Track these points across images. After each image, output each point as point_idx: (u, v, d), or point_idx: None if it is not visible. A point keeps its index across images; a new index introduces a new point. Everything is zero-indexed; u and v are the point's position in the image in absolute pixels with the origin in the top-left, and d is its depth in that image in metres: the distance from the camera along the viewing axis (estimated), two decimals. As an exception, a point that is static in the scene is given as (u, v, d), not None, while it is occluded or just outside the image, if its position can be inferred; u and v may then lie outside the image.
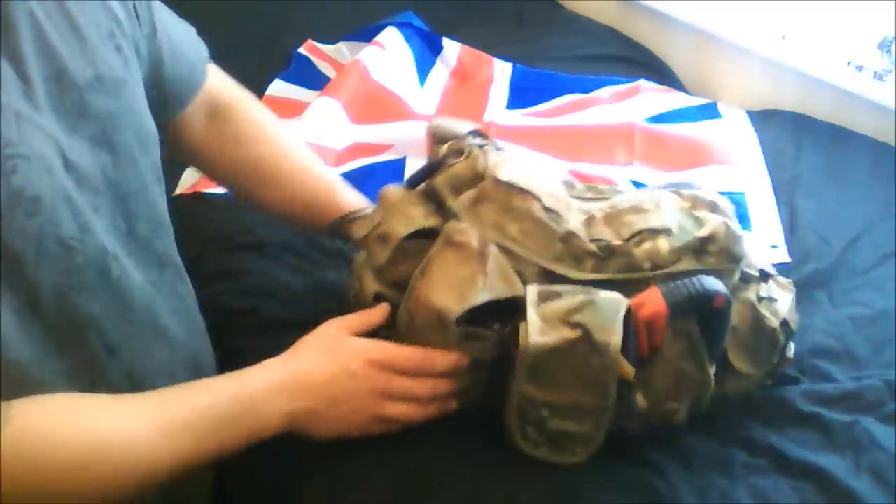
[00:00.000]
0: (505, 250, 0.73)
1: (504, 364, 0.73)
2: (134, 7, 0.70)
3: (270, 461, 0.77)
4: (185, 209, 1.08)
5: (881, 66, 1.33)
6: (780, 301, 0.79)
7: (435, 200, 0.79)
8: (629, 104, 1.41)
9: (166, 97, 0.79)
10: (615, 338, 0.67)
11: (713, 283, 0.70)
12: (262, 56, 1.53)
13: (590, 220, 0.76)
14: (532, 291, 0.71)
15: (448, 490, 0.74)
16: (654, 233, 0.73)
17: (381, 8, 1.60)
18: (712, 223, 0.75)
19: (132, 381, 0.70)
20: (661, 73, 1.59)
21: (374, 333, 0.80)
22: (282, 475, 0.79)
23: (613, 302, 0.69)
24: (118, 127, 0.66)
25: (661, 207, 0.76)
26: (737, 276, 0.77)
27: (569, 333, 0.68)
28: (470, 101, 1.45)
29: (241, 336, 0.93)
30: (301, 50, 1.56)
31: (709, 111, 1.41)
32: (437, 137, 0.83)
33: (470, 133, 0.82)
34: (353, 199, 0.93)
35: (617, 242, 0.74)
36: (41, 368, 0.61)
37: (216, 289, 0.97)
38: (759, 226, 1.13)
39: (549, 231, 0.73)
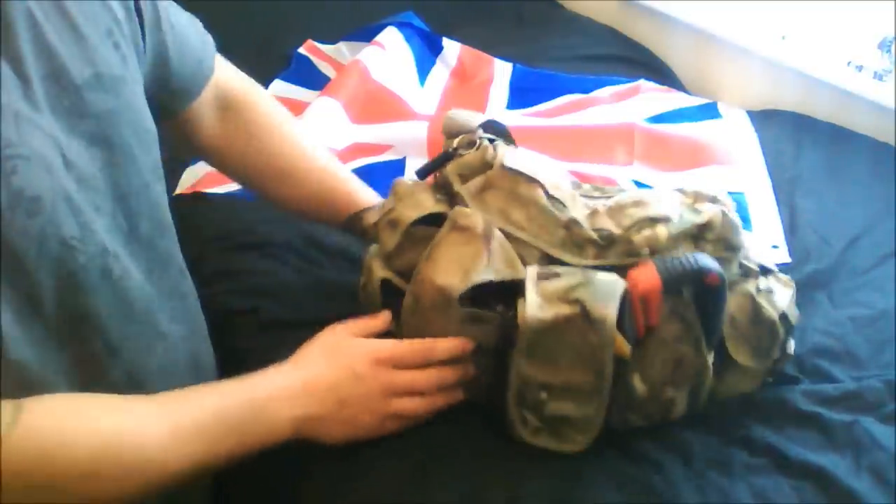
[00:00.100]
0: (509, 236, 0.75)
1: (505, 352, 0.73)
2: (135, 4, 0.70)
3: (270, 460, 0.77)
4: (185, 209, 1.08)
5: (881, 66, 1.33)
6: (779, 294, 0.80)
7: (445, 191, 0.80)
8: (629, 104, 1.41)
9: (174, 91, 0.79)
10: (611, 312, 0.68)
11: (707, 260, 0.71)
12: (261, 56, 1.52)
13: (593, 214, 0.77)
14: (532, 271, 0.72)
15: (448, 488, 0.74)
16: (654, 221, 0.75)
17: (381, 8, 1.60)
18: (710, 211, 0.76)
19: (133, 381, 0.70)
20: (661, 73, 1.59)
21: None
22: (281, 475, 0.79)
23: (611, 281, 0.71)
24: (117, 126, 0.66)
25: (663, 200, 0.78)
26: (735, 267, 0.78)
27: (566, 309, 0.69)
28: (470, 101, 1.45)
29: (241, 336, 0.93)
30: (301, 50, 1.56)
31: (709, 111, 1.41)
32: (449, 131, 0.83)
33: (482, 126, 0.83)
34: (367, 196, 0.93)
35: (618, 231, 0.75)
36: (42, 368, 0.61)
37: (216, 289, 0.97)
38: (759, 226, 1.13)
39: (552, 218, 0.75)
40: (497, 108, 1.42)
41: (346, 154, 1.29)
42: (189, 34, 0.80)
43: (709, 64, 1.60)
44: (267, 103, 0.94)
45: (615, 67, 1.55)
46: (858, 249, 1.08)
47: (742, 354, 0.78)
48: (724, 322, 0.76)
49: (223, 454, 0.67)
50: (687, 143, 1.29)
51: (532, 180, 0.77)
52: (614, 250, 0.75)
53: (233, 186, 1.13)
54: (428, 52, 1.55)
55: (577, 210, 0.77)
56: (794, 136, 1.35)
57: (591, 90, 1.45)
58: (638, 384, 0.74)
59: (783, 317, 0.79)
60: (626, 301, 0.70)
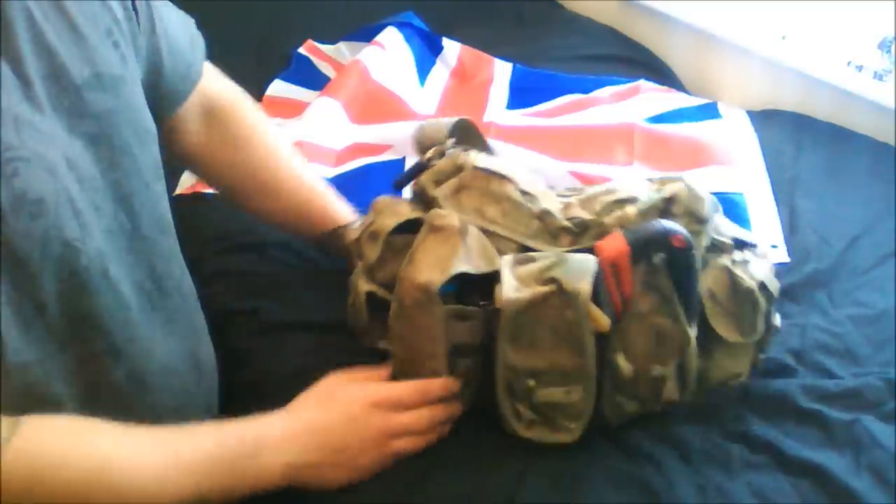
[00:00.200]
0: (485, 232, 0.77)
1: (492, 348, 0.74)
2: (133, 3, 0.70)
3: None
4: (185, 209, 1.08)
5: (881, 66, 1.33)
6: (756, 265, 0.80)
7: (421, 199, 0.81)
8: (629, 104, 1.40)
9: (163, 94, 0.79)
10: (585, 286, 0.69)
11: (671, 223, 0.73)
12: (261, 56, 1.53)
13: (567, 207, 0.80)
14: (507, 257, 0.74)
15: (447, 488, 0.74)
16: (623, 202, 0.78)
17: (381, 8, 1.60)
18: (674, 185, 0.78)
19: (134, 381, 0.70)
20: (661, 73, 1.59)
21: (369, 332, 0.81)
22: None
23: (584, 258, 0.72)
24: (117, 125, 0.66)
25: (631, 185, 0.80)
26: (705, 240, 0.79)
27: (542, 288, 0.70)
28: (470, 101, 1.45)
29: (241, 337, 0.93)
30: (301, 50, 1.56)
31: (709, 111, 1.41)
32: (421, 144, 0.85)
33: (453, 126, 0.85)
34: (343, 212, 0.94)
35: (590, 217, 0.77)
36: (43, 369, 0.61)
37: (216, 289, 0.97)
38: (758, 226, 1.13)
39: (525, 210, 0.78)
40: (497, 108, 1.42)
41: (346, 154, 1.29)
42: (180, 37, 0.80)
43: (709, 64, 1.60)
44: (253, 114, 0.94)
45: (615, 67, 1.55)
46: (858, 249, 1.08)
47: (726, 329, 0.79)
48: (704, 297, 0.77)
49: (214, 493, 0.67)
50: (687, 144, 1.29)
51: (503, 177, 0.79)
52: (588, 235, 0.77)
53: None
54: (428, 52, 1.55)
55: (551, 203, 0.79)
56: (793, 136, 1.35)
57: (591, 90, 1.45)
58: (623, 363, 0.74)
59: (762, 286, 0.79)
60: (600, 276, 0.71)
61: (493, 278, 0.73)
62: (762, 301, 0.79)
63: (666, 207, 0.77)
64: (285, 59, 1.54)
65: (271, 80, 1.48)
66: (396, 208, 0.81)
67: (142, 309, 0.70)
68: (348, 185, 1.21)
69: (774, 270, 0.83)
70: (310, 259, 1.03)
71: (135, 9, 0.70)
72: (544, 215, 0.78)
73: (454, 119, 0.86)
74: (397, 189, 0.85)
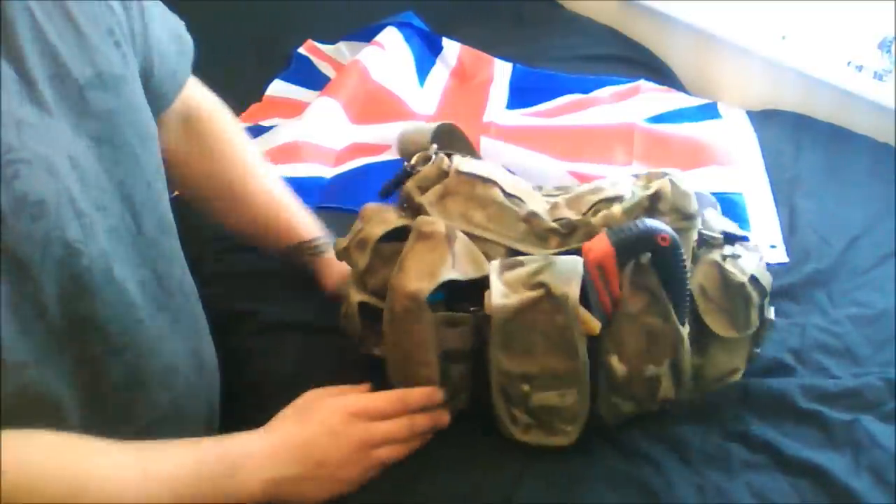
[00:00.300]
0: (472, 237, 0.77)
1: (484, 353, 0.74)
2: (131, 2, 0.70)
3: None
4: (185, 209, 1.07)
5: (881, 66, 1.33)
6: (746, 259, 0.80)
7: (408, 205, 0.82)
8: (629, 104, 1.41)
9: (148, 98, 0.79)
10: (573, 289, 0.69)
11: (655, 222, 0.73)
12: (262, 56, 1.53)
13: (553, 207, 0.80)
14: (495, 263, 0.74)
15: (444, 490, 0.74)
16: (609, 201, 0.78)
17: (381, 8, 1.60)
18: (659, 181, 0.78)
19: (134, 381, 0.70)
20: (661, 73, 1.60)
21: (364, 340, 0.81)
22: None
23: (571, 261, 0.72)
24: (119, 125, 0.66)
25: (617, 184, 0.80)
26: (694, 235, 0.79)
27: (531, 293, 0.70)
28: (470, 101, 1.45)
29: (241, 337, 0.93)
30: (301, 50, 1.56)
31: (709, 111, 1.41)
32: (405, 150, 0.85)
33: (436, 131, 0.85)
34: (309, 227, 0.95)
35: (577, 218, 0.77)
36: (42, 369, 0.61)
37: (216, 289, 0.97)
38: (757, 226, 1.13)
39: (511, 213, 0.78)
40: (497, 108, 1.42)
41: (346, 154, 1.29)
42: (167, 40, 0.79)
43: (709, 64, 1.60)
44: (230, 126, 0.95)
45: (615, 67, 1.55)
46: (858, 249, 1.08)
47: (719, 325, 0.79)
48: (695, 294, 0.77)
49: None
50: (687, 144, 1.29)
51: (488, 181, 0.79)
52: (576, 236, 0.77)
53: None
54: (428, 52, 1.55)
55: (537, 204, 0.80)
56: (793, 136, 1.35)
57: (591, 90, 1.45)
58: (616, 364, 0.74)
59: (753, 280, 0.79)
60: (587, 279, 0.71)
61: (482, 283, 0.73)
62: (754, 295, 0.79)
63: (652, 205, 0.78)
64: (285, 59, 1.55)
65: (271, 80, 1.48)
66: (384, 216, 0.81)
67: (146, 308, 0.70)
68: (348, 184, 1.21)
69: (772, 269, 0.83)
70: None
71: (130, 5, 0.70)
72: (531, 217, 0.78)
73: (436, 124, 0.86)
74: (383, 197, 0.85)
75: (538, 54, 1.58)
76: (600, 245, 0.72)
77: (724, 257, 0.79)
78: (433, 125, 0.86)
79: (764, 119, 1.41)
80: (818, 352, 0.89)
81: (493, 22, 1.73)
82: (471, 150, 0.90)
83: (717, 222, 0.84)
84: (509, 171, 0.86)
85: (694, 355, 0.78)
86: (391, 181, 0.84)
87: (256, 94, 1.46)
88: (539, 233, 0.78)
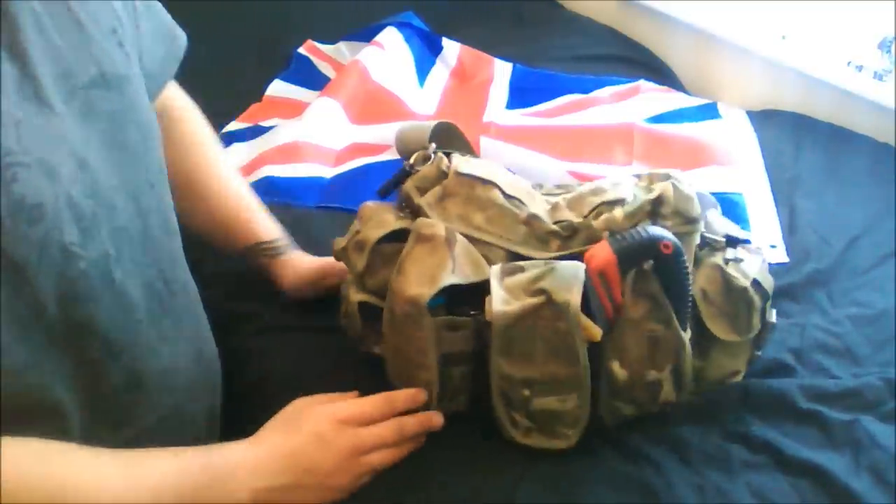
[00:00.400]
0: (472, 239, 0.76)
1: (485, 356, 0.74)
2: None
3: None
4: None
5: (881, 66, 1.33)
6: (749, 262, 0.80)
7: (407, 206, 0.81)
8: (629, 104, 1.41)
9: None
10: (574, 296, 0.69)
11: (657, 229, 0.72)
12: (262, 56, 1.53)
13: (554, 208, 0.80)
14: (496, 268, 0.73)
15: (445, 491, 0.74)
16: (611, 204, 0.77)
17: (381, 8, 1.60)
18: (661, 185, 0.78)
19: (134, 383, 0.70)
20: (661, 73, 1.59)
21: (364, 339, 0.81)
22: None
23: (572, 266, 0.71)
24: (123, 125, 0.66)
25: (618, 185, 0.80)
26: (697, 239, 0.79)
27: (532, 300, 0.70)
28: (470, 101, 1.45)
29: (241, 338, 0.93)
30: (301, 50, 1.56)
31: (709, 111, 1.41)
32: (404, 148, 0.85)
33: (434, 129, 0.84)
34: (269, 229, 0.95)
35: (578, 220, 0.77)
36: (40, 372, 0.61)
37: (216, 291, 0.97)
38: (757, 226, 1.13)
39: (511, 216, 0.78)
40: (497, 108, 1.42)
41: (346, 154, 1.29)
42: (152, 40, 0.78)
43: (709, 64, 1.60)
44: (199, 124, 0.95)
45: (615, 67, 1.55)
46: (858, 249, 1.08)
47: (721, 329, 0.78)
48: (697, 297, 0.77)
49: None
50: (686, 144, 1.29)
51: (487, 182, 0.79)
52: (577, 239, 0.77)
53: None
54: (428, 52, 1.55)
55: (538, 206, 0.79)
56: (793, 137, 1.35)
57: (591, 90, 1.45)
58: (618, 370, 0.74)
59: (756, 283, 0.79)
60: (589, 285, 0.71)
61: (482, 286, 0.73)
62: (756, 299, 0.79)
63: (654, 209, 0.77)
64: (285, 59, 1.55)
65: (271, 80, 1.48)
66: (382, 217, 0.81)
67: (150, 310, 0.70)
68: (348, 184, 1.21)
69: (772, 269, 0.83)
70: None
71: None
72: (531, 220, 0.78)
73: (434, 122, 0.86)
74: (382, 196, 0.84)
75: (538, 54, 1.58)
76: (602, 252, 0.71)
77: (727, 261, 0.79)
78: (431, 123, 0.86)
79: (764, 119, 1.41)
80: (818, 352, 0.89)
81: (493, 22, 1.73)
82: (469, 149, 0.90)
83: (720, 225, 0.84)
84: (509, 170, 0.86)
85: (695, 358, 0.78)
86: (390, 180, 0.84)
87: (256, 94, 1.46)
88: (540, 235, 0.78)
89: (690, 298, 0.75)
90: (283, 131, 1.31)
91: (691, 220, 0.78)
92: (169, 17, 0.81)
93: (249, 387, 0.89)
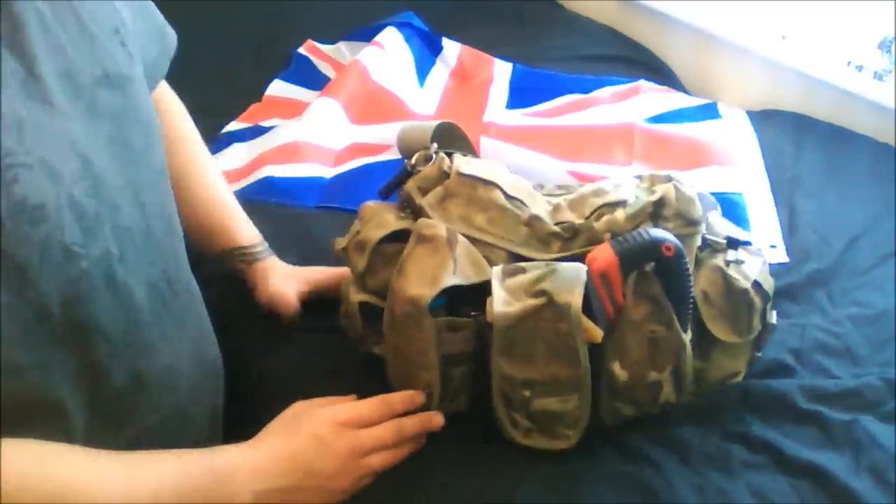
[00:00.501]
0: (474, 240, 0.76)
1: (486, 357, 0.74)
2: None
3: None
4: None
5: (881, 66, 1.33)
6: (750, 264, 0.80)
7: (409, 206, 0.81)
8: (629, 104, 1.41)
9: None
10: (576, 298, 0.69)
11: (659, 232, 0.72)
12: (261, 56, 1.53)
13: (556, 209, 0.80)
14: (497, 269, 0.73)
15: (446, 491, 0.74)
16: (613, 206, 0.77)
17: (381, 8, 1.60)
18: (662, 187, 0.78)
19: (137, 381, 0.69)
20: (661, 73, 1.59)
21: (364, 339, 0.81)
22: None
23: (574, 268, 0.71)
24: (126, 125, 0.66)
25: (620, 186, 0.80)
26: (698, 241, 0.79)
27: (533, 301, 0.70)
28: (470, 101, 1.45)
29: (242, 338, 0.93)
30: (301, 50, 1.56)
31: (709, 111, 1.41)
32: (407, 149, 0.85)
33: (436, 129, 0.84)
34: (249, 234, 0.95)
35: (579, 222, 0.77)
36: (43, 372, 0.61)
37: (216, 291, 0.97)
38: (757, 226, 1.13)
39: (513, 217, 0.78)
40: (497, 108, 1.42)
41: (346, 154, 1.29)
42: (145, 37, 0.77)
43: (709, 64, 1.60)
44: (185, 123, 0.95)
45: (615, 67, 1.55)
46: (858, 249, 1.08)
47: (721, 330, 0.79)
48: (698, 299, 0.77)
49: None
50: (686, 144, 1.29)
51: (489, 183, 0.79)
52: (578, 240, 0.77)
53: (232, 187, 1.13)
54: (428, 52, 1.55)
55: (539, 207, 0.79)
56: (794, 136, 1.35)
57: (591, 90, 1.45)
58: (618, 371, 0.74)
59: (756, 285, 0.79)
60: (590, 287, 0.71)
61: (483, 287, 0.73)
62: (757, 300, 0.79)
63: (656, 211, 0.77)
64: (285, 59, 1.55)
65: (271, 80, 1.48)
66: (383, 218, 0.81)
67: (153, 310, 0.70)
68: (348, 184, 1.21)
69: (772, 270, 0.83)
70: (309, 261, 1.03)
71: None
72: (533, 221, 0.78)
73: (435, 122, 0.86)
74: (383, 197, 0.84)
75: (538, 54, 1.58)
76: (604, 254, 0.71)
77: (728, 263, 0.79)
78: (433, 123, 0.86)
79: (764, 119, 1.41)
80: (818, 352, 0.89)
81: (493, 22, 1.73)
82: (470, 149, 0.90)
83: (721, 226, 0.84)
84: (510, 171, 0.85)
85: (695, 359, 0.78)
86: (391, 181, 0.84)
87: (256, 94, 1.46)
88: (541, 236, 0.78)
89: (691, 300, 0.75)
90: (283, 131, 1.31)
91: (693, 223, 0.78)
92: (160, 16, 0.81)
93: (250, 387, 0.89)
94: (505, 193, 0.79)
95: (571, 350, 0.71)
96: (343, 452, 0.72)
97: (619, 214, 0.77)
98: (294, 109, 1.39)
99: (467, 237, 0.76)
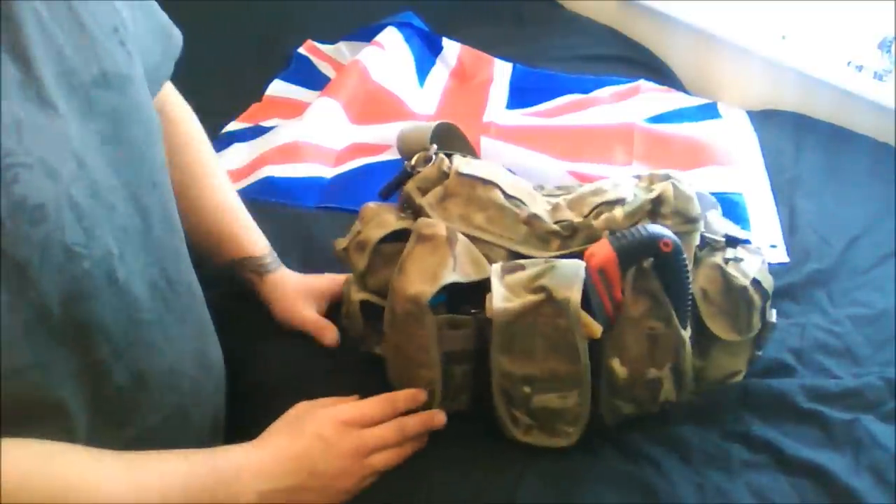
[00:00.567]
0: (473, 239, 0.77)
1: (486, 354, 0.74)
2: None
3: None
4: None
5: (881, 66, 1.33)
6: (748, 262, 0.80)
7: (409, 206, 0.82)
8: (629, 104, 1.41)
9: None
10: (575, 293, 0.69)
11: (657, 228, 0.73)
12: (261, 56, 1.53)
13: (555, 208, 0.80)
14: (496, 266, 0.74)
15: (446, 491, 0.74)
16: (611, 204, 0.78)
17: (381, 8, 1.60)
18: (661, 185, 0.78)
19: (139, 381, 0.69)
20: (661, 73, 1.60)
21: (365, 338, 0.81)
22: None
23: (573, 264, 0.72)
24: (125, 124, 0.66)
25: (619, 185, 0.80)
26: (697, 239, 0.79)
27: (532, 297, 0.70)
28: (470, 101, 1.45)
29: (243, 339, 0.93)
30: (301, 50, 1.56)
31: (709, 111, 1.41)
32: (408, 150, 0.85)
33: (435, 129, 0.85)
34: (259, 244, 0.95)
35: (578, 220, 0.77)
36: (45, 372, 0.61)
37: (217, 291, 0.97)
38: (758, 226, 1.13)
39: (512, 215, 0.78)
40: (497, 108, 1.42)
41: (346, 154, 1.29)
42: (149, 38, 0.77)
43: (709, 64, 1.60)
44: (194, 128, 0.94)
45: (615, 67, 1.55)
46: (858, 249, 1.08)
47: (721, 328, 0.79)
48: (697, 297, 0.77)
49: None
50: (686, 144, 1.29)
51: (488, 182, 0.79)
52: (577, 238, 0.77)
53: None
54: (428, 52, 1.55)
55: (538, 206, 0.80)
56: (794, 136, 1.35)
57: (591, 90, 1.45)
58: (618, 368, 0.74)
59: (755, 282, 0.79)
60: (589, 283, 0.71)
61: (483, 285, 0.73)
62: (756, 298, 0.79)
63: (654, 208, 0.78)
64: (285, 59, 1.55)
65: (271, 80, 1.48)
66: (383, 218, 0.81)
67: (154, 310, 0.70)
68: (348, 184, 1.21)
69: (772, 269, 0.83)
70: (310, 262, 1.03)
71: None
72: (532, 219, 0.78)
73: (435, 123, 0.86)
74: (384, 198, 0.85)
75: (538, 54, 1.58)
76: (603, 250, 0.72)
77: (727, 260, 0.79)
78: (432, 124, 0.86)
79: (764, 119, 1.41)
80: (818, 352, 0.90)
81: (493, 22, 1.73)
82: (470, 150, 0.91)
83: (720, 224, 0.84)
84: (510, 171, 0.86)
85: (695, 358, 0.78)
86: (392, 182, 0.84)
87: (256, 94, 1.46)
88: (540, 235, 0.78)
89: (690, 297, 0.75)
90: (284, 131, 1.31)
91: (691, 220, 0.78)
92: (165, 15, 0.81)
93: (250, 387, 0.89)
94: (504, 193, 0.79)
95: (571, 345, 0.71)
96: (347, 452, 0.72)
97: (618, 212, 0.77)
98: (294, 109, 1.39)
99: (467, 236, 0.77)
